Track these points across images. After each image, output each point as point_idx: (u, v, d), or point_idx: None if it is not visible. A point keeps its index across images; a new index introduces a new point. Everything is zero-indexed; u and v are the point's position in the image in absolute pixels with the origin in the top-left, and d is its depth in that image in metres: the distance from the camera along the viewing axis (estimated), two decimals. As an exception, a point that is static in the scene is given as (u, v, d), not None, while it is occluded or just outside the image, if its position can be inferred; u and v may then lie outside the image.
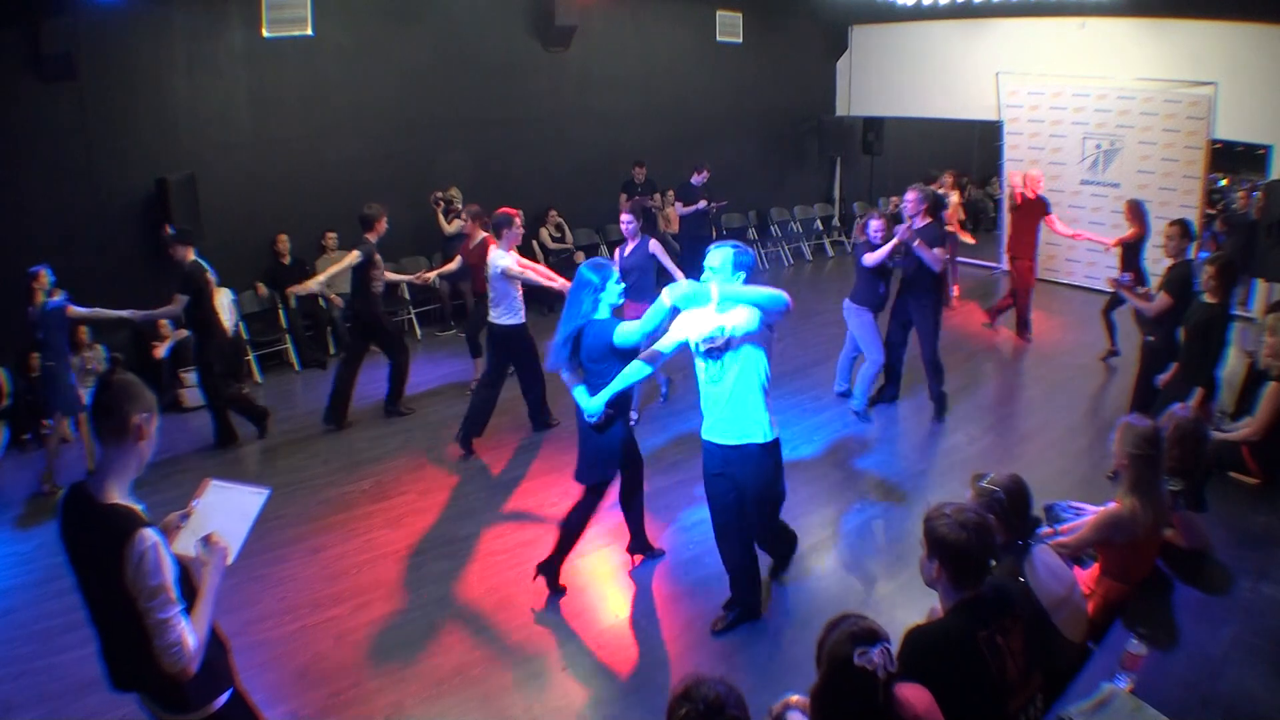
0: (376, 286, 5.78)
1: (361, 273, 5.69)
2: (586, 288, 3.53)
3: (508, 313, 5.37)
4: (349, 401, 5.96)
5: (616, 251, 5.78)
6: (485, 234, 6.00)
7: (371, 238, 5.67)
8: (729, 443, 3.31)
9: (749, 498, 3.40)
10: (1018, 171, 7.45)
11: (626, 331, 3.42)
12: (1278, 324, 3.90)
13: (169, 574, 1.86)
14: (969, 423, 5.80)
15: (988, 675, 2.05)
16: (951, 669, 2.02)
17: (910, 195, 5.63)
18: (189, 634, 1.89)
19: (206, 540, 2.05)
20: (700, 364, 3.30)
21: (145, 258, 6.52)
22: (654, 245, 5.60)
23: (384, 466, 5.29)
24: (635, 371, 3.42)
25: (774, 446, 3.33)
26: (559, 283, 5.30)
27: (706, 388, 3.33)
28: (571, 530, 3.83)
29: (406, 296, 7.97)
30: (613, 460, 3.70)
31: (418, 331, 8.05)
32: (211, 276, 5.40)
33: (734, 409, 3.27)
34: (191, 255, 5.28)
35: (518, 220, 5.49)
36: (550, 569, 3.88)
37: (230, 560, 2.08)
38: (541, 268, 5.75)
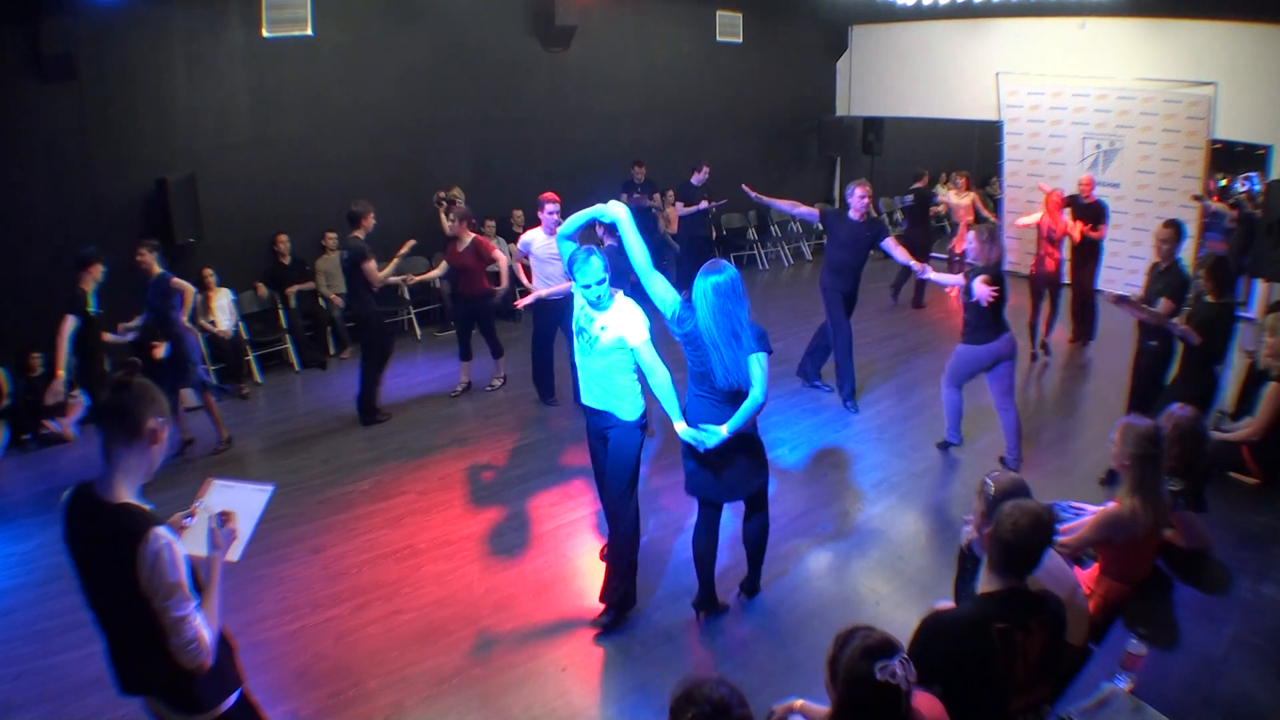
0: (375, 285, 5.80)
1: (357, 270, 5.68)
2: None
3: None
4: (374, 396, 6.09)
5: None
6: (475, 235, 6.05)
7: (359, 235, 5.68)
8: (597, 407, 3.51)
9: (605, 465, 3.57)
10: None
11: None
12: (1278, 324, 3.89)
13: (184, 571, 1.86)
14: (968, 423, 5.79)
15: (994, 667, 2.05)
16: (960, 654, 2.02)
17: (860, 190, 5.68)
18: (205, 629, 1.90)
19: (223, 518, 2.06)
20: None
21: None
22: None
23: (384, 466, 5.28)
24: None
25: (634, 427, 3.46)
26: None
27: (579, 358, 3.50)
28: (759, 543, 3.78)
29: (406, 296, 7.96)
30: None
31: (418, 332, 8.05)
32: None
33: (603, 386, 3.46)
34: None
35: (548, 205, 5.71)
36: (752, 583, 3.86)
37: (236, 558, 2.08)
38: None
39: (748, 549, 3.78)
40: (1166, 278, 4.80)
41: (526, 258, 5.96)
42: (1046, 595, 2.27)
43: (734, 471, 3.41)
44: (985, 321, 4.76)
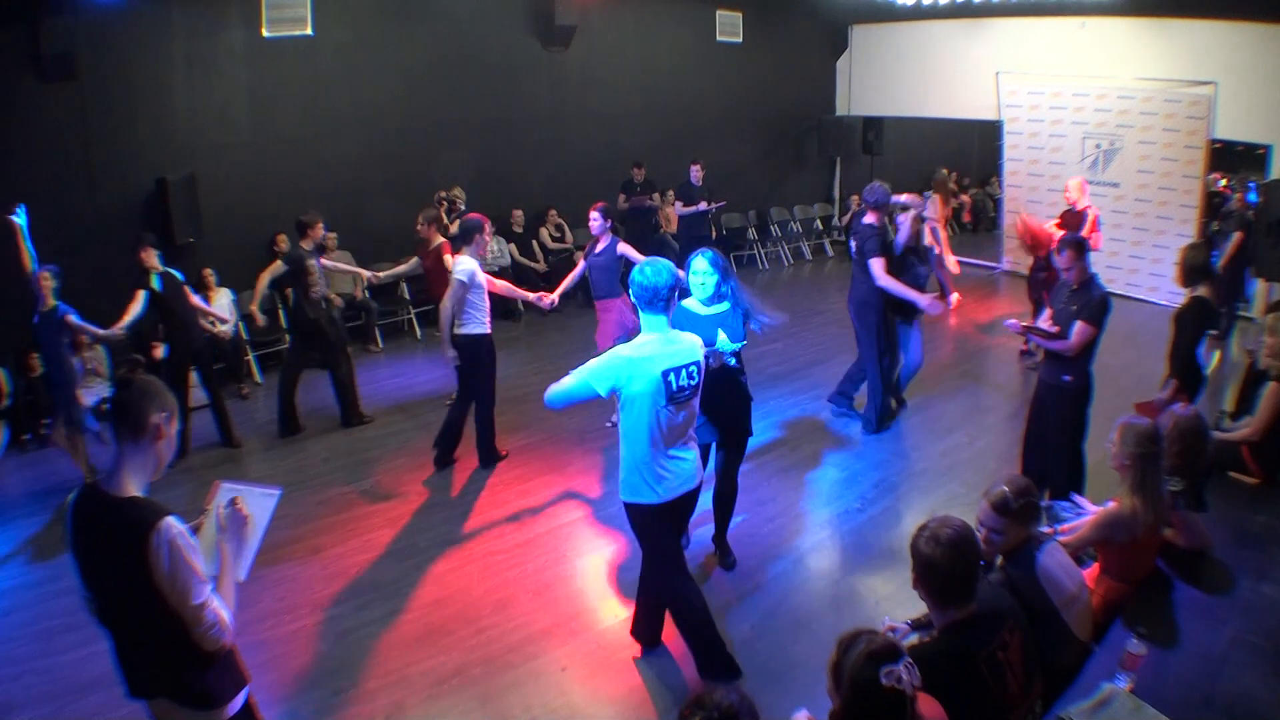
0: (315, 293, 5.70)
1: (297, 280, 5.60)
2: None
3: (468, 322, 4.94)
4: (294, 409, 5.84)
5: (585, 250, 5.72)
6: (442, 240, 5.98)
7: (306, 245, 5.66)
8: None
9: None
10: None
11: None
12: (1277, 324, 3.89)
13: (197, 558, 1.87)
14: (969, 423, 5.80)
15: (989, 695, 2.04)
16: (953, 690, 1.99)
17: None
18: (223, 609, 1.92)
19: (231, 503, 2.08)
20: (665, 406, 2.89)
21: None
22: (623, 247, 5.43)
23: (384, 466, 5.29)
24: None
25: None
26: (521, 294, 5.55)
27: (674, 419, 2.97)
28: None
29: (406, 296, 7.97)
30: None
31: (418, 331, 8.05)
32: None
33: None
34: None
35: (489, 227, 5.20)
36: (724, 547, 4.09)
37: (243, 576, 2.10)
38: (500, 282, 5.41)
39: (718, 506, 3.95)
40: (1081, 297, 3.98)
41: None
42: (995, 600, 2.25)
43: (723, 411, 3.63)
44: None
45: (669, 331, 2.93)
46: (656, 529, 3.09)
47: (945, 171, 8.98)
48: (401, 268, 6.52)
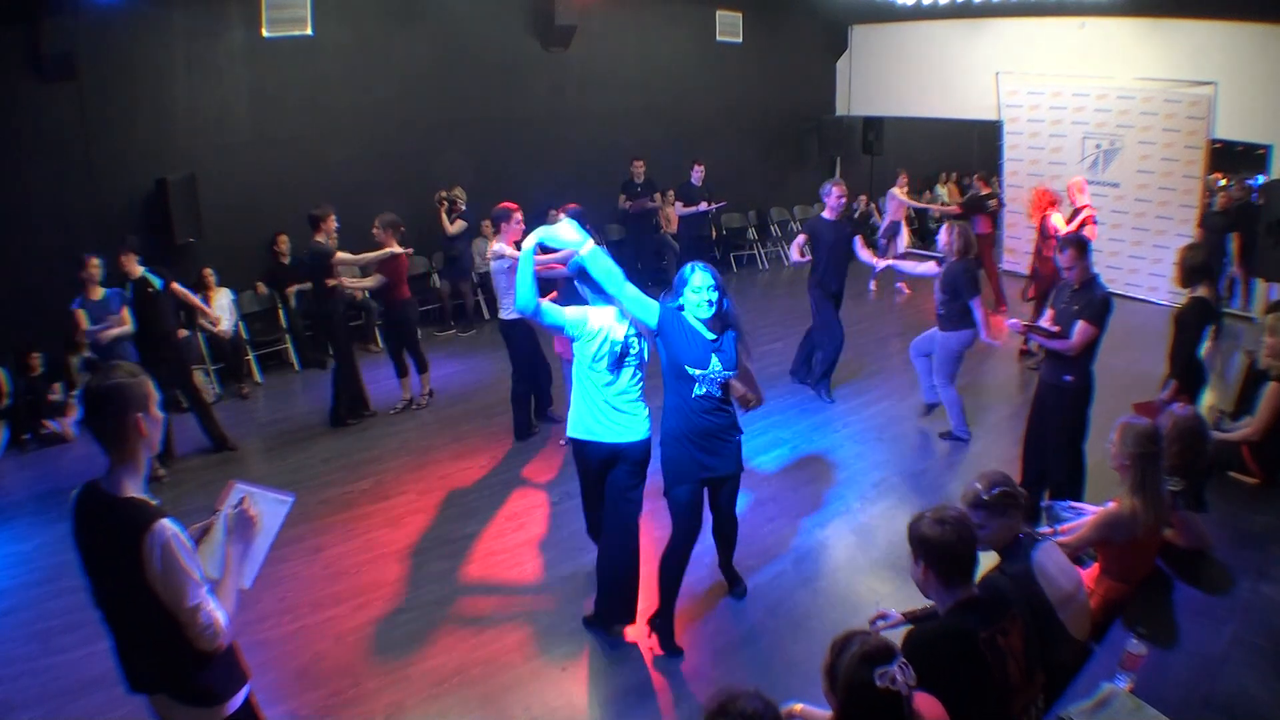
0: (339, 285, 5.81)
1: (325, 273, 5.66)
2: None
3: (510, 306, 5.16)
4: (363, 390, 6.11)
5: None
6: (400, 249, 5.81)
7: (320, 238, 5.64)
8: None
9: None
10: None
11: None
12: (1278, 324, 3.89)
13: (191, 561, 1.87)
14: (969, 423, 5.79)
15: (991, 678, 2.04)
16: (955, 672, 2.00)
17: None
18: (219, 612, 1.91)
19: (240, 504, 2.09)
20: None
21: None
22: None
23: (384, 466, 5.29)
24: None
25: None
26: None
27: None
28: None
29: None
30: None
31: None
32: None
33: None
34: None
35: (517, 214, 5.29)
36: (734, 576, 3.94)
37: (248, 584, 2.09)
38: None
39: (723, 541, 3.77)
40: (1083, 297, 4.01)
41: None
42: (999, 585, 2.27)
43: (726, 448, 3.38)
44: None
45: (616, 312, 3.35)
46: (592, 472, 3.53)
47: (898, 172, 9.43)
48: (366, 281, 6.13)
